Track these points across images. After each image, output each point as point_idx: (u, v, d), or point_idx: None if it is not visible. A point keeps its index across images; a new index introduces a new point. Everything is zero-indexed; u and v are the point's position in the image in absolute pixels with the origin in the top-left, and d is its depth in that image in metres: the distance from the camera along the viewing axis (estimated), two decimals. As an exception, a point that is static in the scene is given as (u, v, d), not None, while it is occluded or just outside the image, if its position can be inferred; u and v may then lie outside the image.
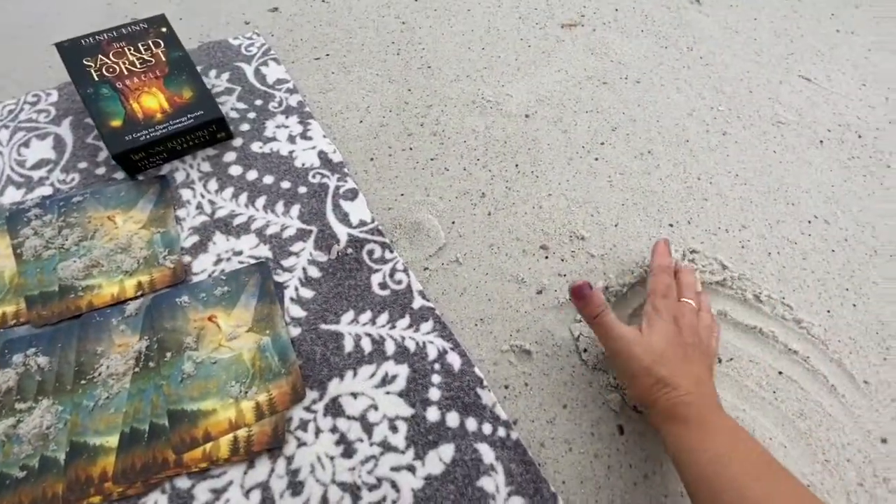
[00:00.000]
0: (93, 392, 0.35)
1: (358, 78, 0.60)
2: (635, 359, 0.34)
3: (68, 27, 0.62)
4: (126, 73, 0.48)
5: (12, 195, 0.46)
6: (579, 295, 0.37)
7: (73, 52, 0.47)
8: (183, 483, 0.33)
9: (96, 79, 0.47)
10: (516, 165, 0.53)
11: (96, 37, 0.48)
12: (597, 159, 0.54)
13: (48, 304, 0.39)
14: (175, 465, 0.33)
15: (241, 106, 0.54)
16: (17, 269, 0.41)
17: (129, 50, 0.49)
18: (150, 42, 0.50)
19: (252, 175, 0.49)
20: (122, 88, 0.47)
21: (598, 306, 0.36)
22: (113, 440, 0.34)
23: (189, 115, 0.47)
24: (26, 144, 0.49)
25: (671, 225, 0.49)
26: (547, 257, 0.46)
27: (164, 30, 0.51)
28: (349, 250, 0.44)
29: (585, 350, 0.41)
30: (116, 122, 0.45)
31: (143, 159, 0.46)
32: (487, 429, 0.36)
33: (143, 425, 0.34)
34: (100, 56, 0.48)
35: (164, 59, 0.49)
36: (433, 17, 0.69)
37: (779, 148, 0.56)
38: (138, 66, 0.48)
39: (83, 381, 0.36)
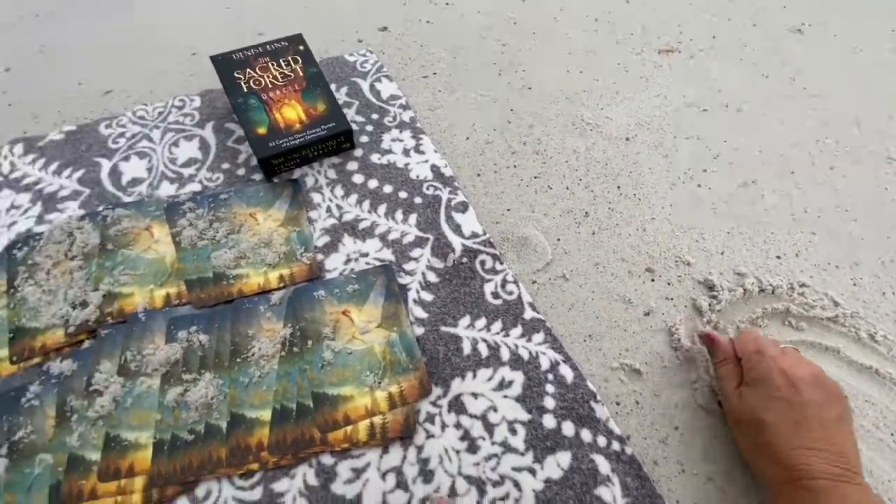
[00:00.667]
0: (247, 370, 0.40)
1: (463, 97, 0.64)
2: (730, 418, 0.36)
3: (206, 40, 0.69)
4: (270, 86, 0.53)
5: (167, 189, 0.52)
6: (707, 340, 0.41)
7: (225, 64, 0.53)
8: (327, 460, 0.37)
9: (245, 90, 0.52)
10: (618, 187, 0.55)
11: (245, 52, 0.54)
12: (700, 186, 0.55)
13: (205, 289, 0.44)
14: (321, 443, 0.37)
15: (360, 119, 0.59)
16: (177, 256, 0.46)
17: (273, 65, 0.54)
18: (290, 58, 0.55)
19: (373, 184, 0.53)
20: (266, 100, 0.52)
21: (719, 355, 0.39)
22: (266, 414, 0.38)
23: (323, 127, 0.52)
24: (176, 144, 0.56)
25: (778, 257, 0.49)
26: (653, 280, 0.48)
27: (301, 48, 0.56)
28: (464, 259, 0.47)
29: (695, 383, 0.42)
30: (262, 130, 0.50)
31: (280, 164, 0.51)
32: (602, 441, 0.38)
33: (291, 404, 0.38)
34: (248, 69, 0.53)
35: (301, 74, 0.54)
36: (532, 40, 0.72)
37: (891, 186, 0.55)
38: (280, 80, 0.53)
39: (238, 360, 0.40)
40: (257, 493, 0.35)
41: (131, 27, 0.71)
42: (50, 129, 0.58)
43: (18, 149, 0.54)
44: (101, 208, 0.49)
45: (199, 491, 0.35)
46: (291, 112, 0.52)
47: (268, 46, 0.55)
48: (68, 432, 0.36)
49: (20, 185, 0.51)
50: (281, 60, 0.55)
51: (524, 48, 0.71)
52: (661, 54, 0.71)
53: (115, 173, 0.53)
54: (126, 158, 0.54)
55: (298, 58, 0.55)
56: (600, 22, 0.75)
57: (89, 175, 0.52)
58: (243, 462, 0.36)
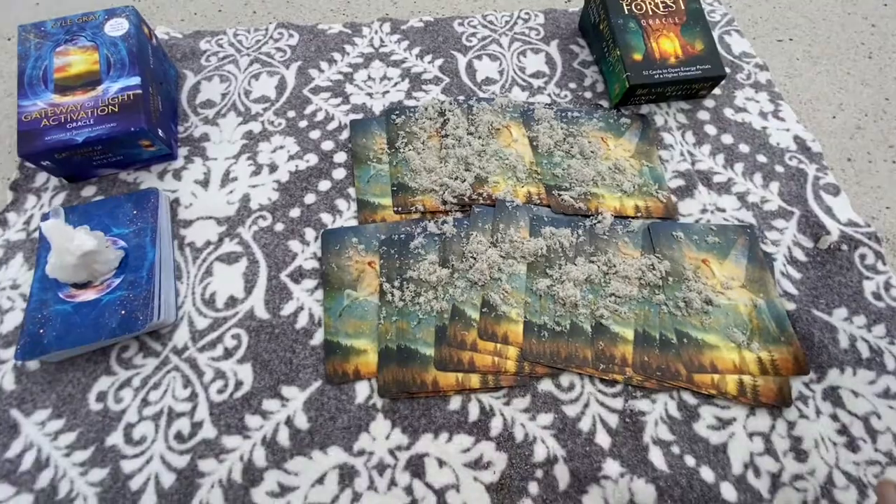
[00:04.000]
0: (607, 286, 0.40)
1: (826, 71, 0.56)
2: None
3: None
4: (650, 13, 0.50)
5: (518, 94, 0.53)
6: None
7: (609, -17, 0.51)
8: (690, 399, 0.36)
9: (626, 12, 0.50)
10: None
11: (631, -26, 0.52)
12: None
13: (562, 195, 0.45)
14: (686, 381, 0.36)
15: (710, 69, 0.54)
16: (535, 159, 0.47)
17: (656, -7, 0.51)
18: (674, -11, 0.52)
19: (727, 139, 0.49)
20: (645, 26, 0.50)
21: None
22: (628, 333, 0.38)
23: (698, 67, 0.48)
24: (524, 54, 0.57)
25: None
26: None
27: (687, -20, 0.52)
28: (843, 246, 0.42)
29: None
30: (637, 56, 0.49)
31: (639, 96, 0.49)
32: None
33: (653, 332, 0.38)
34: (631, -8, 0.51)
35: (683, 7, 0.51)
36: (918, 24, 0.60)
37: None
38: (661, 9, 0.51)
39: (599, 274, 0.40)
40: (618, 403, 0.36)
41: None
42: (406, 15, 0.62)
43: (386, 27, 0.59)
44: (462, 98, 0.52)
45: (563, 379, 0.37)
46: (668, 45, 0.49)
47: (655, -28, 0.52)
48: (451, 285, 0.40)
49: (389, 59, 0.56)
50: (664, -11, 0.52)
51: (907, 32, 0.59)
52: None
53: (470, 69, 0.55)
54: (479, 57, 0.56)
55: (683, -10, 0.52)
56: None
57: (448, 65, 0.55)
58: (608, 370, 0.36)
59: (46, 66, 0.45)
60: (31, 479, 0.33)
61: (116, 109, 0.43)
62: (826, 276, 0.41)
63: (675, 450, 0.34)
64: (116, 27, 0.47)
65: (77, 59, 0.45)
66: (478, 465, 0.33)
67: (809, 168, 0.47)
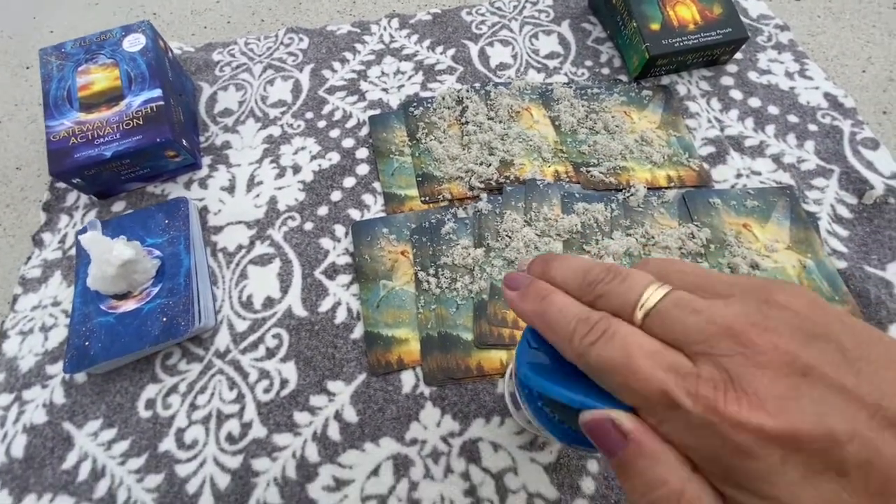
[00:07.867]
0: (649, 257, 0.39)
1: (850, 26, 0.54)
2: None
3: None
4: (664, -19, 0.49)
5: (534, 76, 0.52)
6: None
7: (619, -44, 0.51)
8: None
9: (639, -18, 0.49)
10: None
11: (640, -56, 0.51)
12: None
13: (590, 171, 0.44)
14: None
15: (729, 34, 0.53)
16: (558, 138, 0.47)
17: (668, -40, 0.50)
18: (686, -45, 0.51)
19: (755, 102, 0.48)
20: (660, -5, 0.49)
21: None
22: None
23: (718, 31, 0.47)
24: (536, 37, 0.56)
25: None
26: None
27: (698, -55, 0.51)
28: (890, 199, 0.41)
29: None
30: (655, 26, 0.48)
31: (659, 66, 0.48)
32: None
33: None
34: (642, -38, 0.50)
35: (697, -28, 0.50)
36: (942, -30, 0.58)
37: None
38: (675, -24, 0.50)
39: (640, 245, 0.40)
40: (671, 375, 0.35)
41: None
42: (412, 9, 0.62)
43: (394, 23, 0.59)
44: (478, 85, 0.51)
45: (613, 355, 0.36)
46: (685, 11, 0.48)
47: (663, -60, 0.52)
48: (487, 264, 0.39)
49: (401, 53, 0.56)
50: (676, -44, 0.51)
51: (931, -21, 0.57)
52: None
53: (483, 55, 0.55)
54: (490, 44, 0.56)
55: (696, -45, 0.51)
56: None
57: (460, 54, 0.55)
58: (658, 341, 0.35)
59: (70, 86, 0.46)
60: (89, 490, 0.33)
61: (141, 122, 0.44)
62: (875, 230, 0.40)
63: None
64: (134, 43, 0.47)
65: (99, 77, 0.46)
66: (533, 446, 0.33)
67: (844, 124, 0.46)
